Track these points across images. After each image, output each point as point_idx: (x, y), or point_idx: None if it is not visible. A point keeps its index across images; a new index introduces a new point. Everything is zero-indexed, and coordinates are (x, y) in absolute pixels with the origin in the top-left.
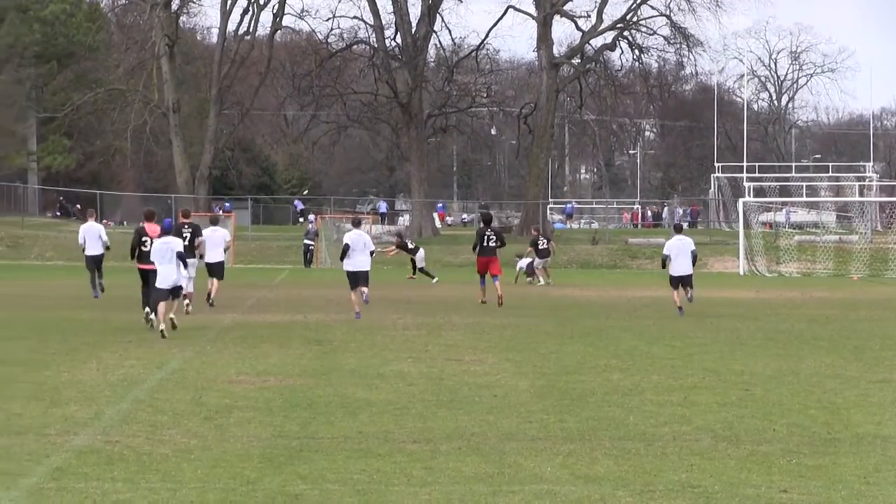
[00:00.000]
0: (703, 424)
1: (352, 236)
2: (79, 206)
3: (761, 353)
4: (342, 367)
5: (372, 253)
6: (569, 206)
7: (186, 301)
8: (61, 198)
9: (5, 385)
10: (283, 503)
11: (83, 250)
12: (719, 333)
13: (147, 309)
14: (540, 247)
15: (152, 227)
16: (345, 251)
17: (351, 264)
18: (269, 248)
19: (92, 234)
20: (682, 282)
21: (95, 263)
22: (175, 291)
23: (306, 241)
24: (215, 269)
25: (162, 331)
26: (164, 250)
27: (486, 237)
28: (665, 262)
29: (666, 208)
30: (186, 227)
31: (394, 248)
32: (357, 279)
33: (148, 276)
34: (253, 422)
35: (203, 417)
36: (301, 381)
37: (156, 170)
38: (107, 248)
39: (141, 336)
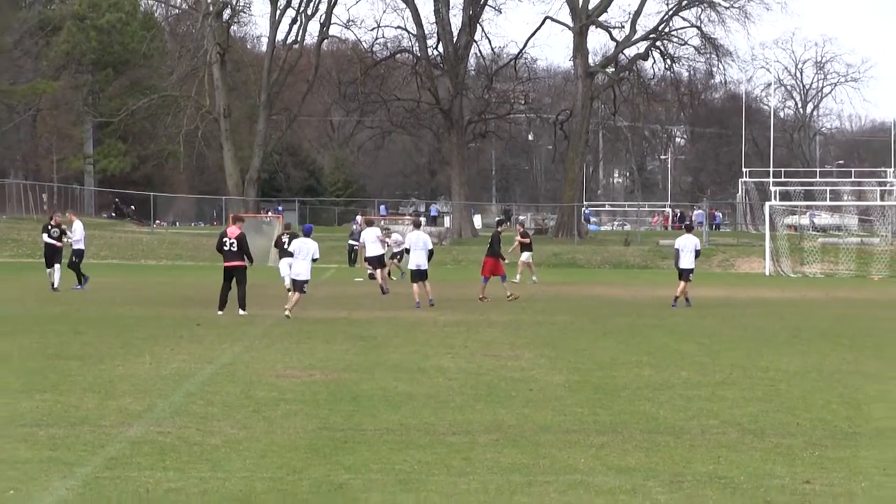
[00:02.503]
0: (730, 418)
1: (411, 237)
2: (133, 207)
3: (786, 350)
4: (385, 362)
5: (430, 252)
6: (587, 210)
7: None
8: (116, 199)
9: (63, 378)
10: (329, 492)
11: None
12: (746, 331)
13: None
14: (525, 241)
15: (233, 230)
16: (408, 251)
17: (411, 262)
18: None
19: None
20: (685, 274)
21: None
22: (301, 285)
23: (351, 242)
24: (375, 262)
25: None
26: (303, 249)
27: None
28: (677, 255)
29: (695, 211)
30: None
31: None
32: (416, 275)
33: (229, 273)
34: (299, 414)
35: (252, 410)
36: (346, 376)
37: (207, 173)
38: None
39: (192, 331)
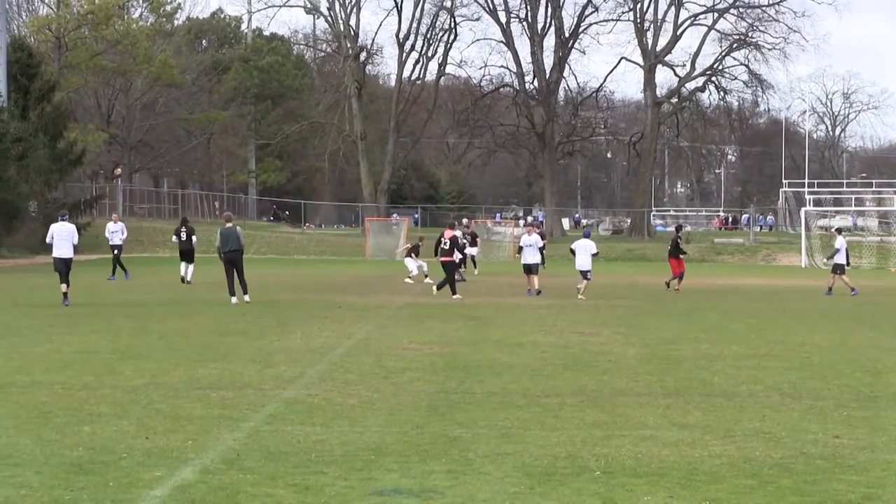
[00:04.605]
0: (773, 384)
1: (527, 239)
2: (287, 212)
3: (818, 328)
4: (490, 338)
5: (541, 249)
6: (577, 214)
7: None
8: (274, 206)
9: (231, 350)
10: (445, 443)
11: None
12: (785, 313)
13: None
14: (479, 241)
15: (448, 232)
16: (521, 249)
17: (523, 258)
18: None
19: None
20: (839, 268)
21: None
22: (585, 274)
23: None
24: (534, 268)
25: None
26: (580, 247)
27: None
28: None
29: (744, 215)
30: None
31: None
32: (528, 269)
33: (444, 266)
34: (421, 380)
35: (382, 376)
36: (458, 349)
37: (346, 184)
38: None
39: (334, 313)
